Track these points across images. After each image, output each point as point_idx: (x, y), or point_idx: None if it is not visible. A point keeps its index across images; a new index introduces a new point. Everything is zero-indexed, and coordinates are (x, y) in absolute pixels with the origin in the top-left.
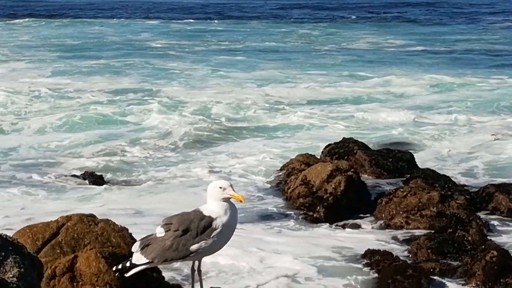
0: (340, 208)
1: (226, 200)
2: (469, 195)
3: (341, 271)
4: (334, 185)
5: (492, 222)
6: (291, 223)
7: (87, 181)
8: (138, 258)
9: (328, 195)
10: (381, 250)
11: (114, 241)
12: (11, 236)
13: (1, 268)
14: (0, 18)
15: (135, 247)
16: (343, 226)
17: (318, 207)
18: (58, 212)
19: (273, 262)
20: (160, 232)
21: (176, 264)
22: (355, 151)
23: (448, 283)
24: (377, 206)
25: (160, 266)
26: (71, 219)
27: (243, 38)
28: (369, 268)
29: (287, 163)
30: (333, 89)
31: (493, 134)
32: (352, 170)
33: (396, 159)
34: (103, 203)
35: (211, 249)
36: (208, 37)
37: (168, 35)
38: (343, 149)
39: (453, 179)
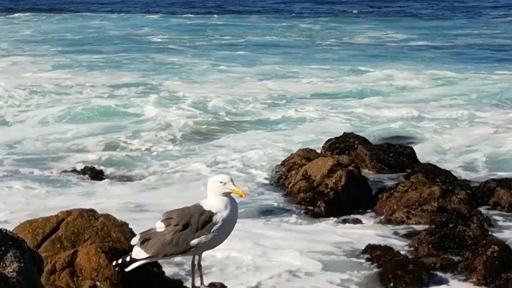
0: (341, 203)
1: (227, 194)
2: (470, 190)
3: (341, 266)
4: (335, 180)
5: (493, 217)
6: (292, 218)
7: (87, 176)
8: (138, 253)
9: (328, 190)
10: (382, 245)
11: (114, 236)
12: (11, 230)
13: (1, 263)
14: (0, 12)
15: (135, 241)
16: (344, 221)
17: (319, 202)
18: (58, 207)
19: (273, 257)
20: (160, 226)
21: (177, 259)
22: (356, 146)
23: (449, 278)
24: (378, 201)
25: (160, 261)
26: (71, 214)
27: (244, 32)
28: (370, 263)
29: (287, 157)
30: (335, 83)
31: (494, 128)
32: (353, 165)
33: (397, 154)
34: (103, 198)
35: (212, 244)
36: (209, 31)
37: (169, 29)
38: (344, 144)
39: (454, 172)
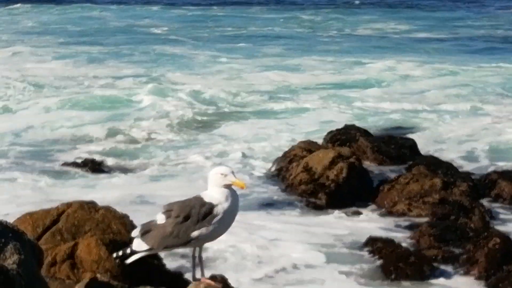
0: (342, 195)
1: (228, 186)
2: (471, 182)
3: (343, 258)
4: (336, 172)
5: (495, 209)
6: (293, 210)
7: (87, 168)
8: (139, 245)
9: (330, 182)
10: (383, 237)
11: (114, 228)
12: (11, 222)
13: (1, 255)
14: (0, 3)
15: (135, 233)
16: (345, 213)
17: (320, 194)
18: (58, 199)
19: (274, 249)
20: (160, 218)
21: (177, 251)
22: (357, 138)
23: (450, 271)
24: (379, 193)
25: (161, 253)
26: (71, 206)
27: (245, 23)
28: (372, 255)
29: (288, 149)
30: (336, 75)
31: (496, 119)
32: (354, 157)
33: (398, 146)
34: (104, 190)
35: (212, 236)
36: (209, 23)
37: (169, 20)
38: (345, 136)
39: (455, 163)
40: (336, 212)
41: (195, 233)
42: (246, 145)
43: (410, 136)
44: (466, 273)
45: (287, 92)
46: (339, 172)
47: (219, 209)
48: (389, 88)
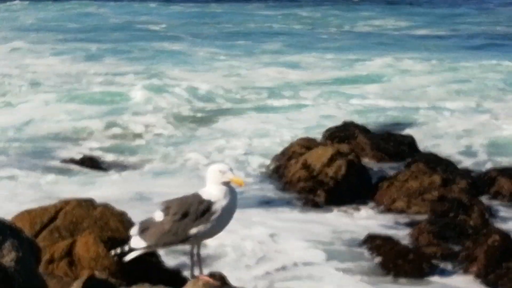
0: (341, 192)
1: (226, 183)
2: (471, 179)
3: (342, 255)
4: (335, 169)
5: (494, 206)
6: (292, 207)
7: (85, 165)
8: (137, 242)
9: (328, 179)
10: (382, 234)
11: (112, 226)
12: (9, 220)
13: None
14: None
15: (134, 231)
16: (344, 211)
17: (319, 191)
18: (56, 196)
19: (273, 246)
20: (159, 216)
21: (176, 248)
22: (356, 135)
23: (449, 268)
24: (378, 190)
25: (159, 251)
26: (69, 204)
27: (243, 20)
28: (370, 252)
29: (287, 146)
30: (335, 72)
31: (494, 116)
32: (353, 154)
33: (397, 143)
34: (102, 187)
35: (210, 233)
36: (208, 19)
37: (167, 17)
38: (344, 133)
39: (454, 159)
40: (335, 209)
41: (193, 231)
42: (245, 142)
43: (409, 132)
44: (465, 270)
45: (285, 89)
46: (338, 169)
47: (217, 207)
48: (388, 84)
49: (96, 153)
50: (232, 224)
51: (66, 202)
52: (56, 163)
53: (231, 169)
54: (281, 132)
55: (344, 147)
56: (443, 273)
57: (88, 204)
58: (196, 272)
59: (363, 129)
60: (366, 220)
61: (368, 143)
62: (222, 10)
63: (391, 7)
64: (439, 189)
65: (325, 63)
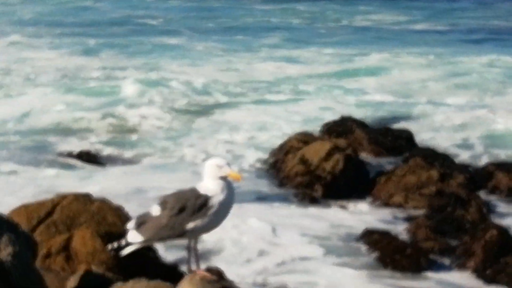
0: (338, 187)
1: (223, 178)
2: (468, 174)
3: (339, 250)
4: (333, 164)
5: (492, 201)
6: (289, 202)
7: (83, 160)
8: (134, 237)
9: (326, 173)
10: (380, 229)
11: (110, 220)
12: (6, 214)
13: None
14: None
15: (131, 225)
16: (342, 205)
17: (316, 186)
18: (53, 191)
19: (270, 241)
20: (156, 210)
21: (173, 243)
22: (353, 129)
23: (447, 263)
24: (376, 185)
25: (156, 245)
26: (66, 198)
27: (241, 15)
28: (368, 247)
29: (285, 141)
30: (333, 66)
31: (492, 110)
32: (350, 148)
33: (395, 137)
34: (99, 182)
35: (207, 228)
36: (205, 14)
37: (165, 11)
38: (341, 127)
39: (452, 154)
40: (333, 204)
41: (190, 225)
42: (242, 136)
43: (407, 127)
44: (463, 265)
45: (284, 83)
46: (336, 163)
47: (215, 201)
48: (387, 79)
49: (94, 147)
50: (229, 219)
51: (63, 197)
52: (53, 157)
53: (228, 164)
54: (279, 126)
55: (342, 142)
56: (441, 268)
57: (85, 198)
58: (193, 266)
59: (360, 124)
60: (363, 215)
61: (366, 138)
62: (220, 4)
63: (389, 1)
64: (436, 183)
65: (323, 58)
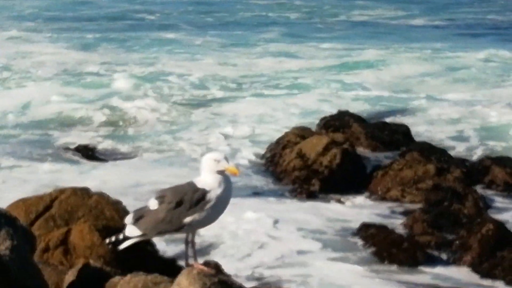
0: (336, 181)
1: (221, 172)
2: (465, 168)
3: (336, 244)
4: (330, 158)
5: (489, 195)
6: (286, 196)
7: (81, 154)
8: (132, 231)
9: (323, 168)
10: (377, 223)
11: (107, 214)
12: (4, 208)
13: None
14: None
15: (128, 220)
16: (339, 200)
17: (313, 180)
18: (51, 185)
19: (267, 235)
20: (153, 204)
21: (171, 237)
22: (350, 124)
23: (443, 257)
24: (372, 179)
25: (154, 239)
26: (64, 192)
27: (239, 9)
28: (365, 241)
29: (282, 136)
30: (330, 61)
31: (490, 104)
32: (347, 143)
33: (392, 132)
34: (97, 176)
35: (205, 222)
36: (203, 9)
37: (163, 6)
38: (338, 122)
39: (449, 148)
40: (330, 199)
41: (187, 219)
42: (240, 131)
43: (404, 121)
44: (459, 259)
45: (281, 78)
46: (333, 158)
47: (212, 195)
48: (384, 73)
49: (92, 141)
50: (226, 213)
51: (61, 191)
52: (51, 152)
53: (226, 158)
54: (276, 120)
55: (339, 136)
56: (437, 262)
57: (83, 192)
58: (191, 260)
59: (357, 118)
60: (360, 209)
61: (363, 132)
62: None
63: None
64: (433, 178)
65: (321, 52)
